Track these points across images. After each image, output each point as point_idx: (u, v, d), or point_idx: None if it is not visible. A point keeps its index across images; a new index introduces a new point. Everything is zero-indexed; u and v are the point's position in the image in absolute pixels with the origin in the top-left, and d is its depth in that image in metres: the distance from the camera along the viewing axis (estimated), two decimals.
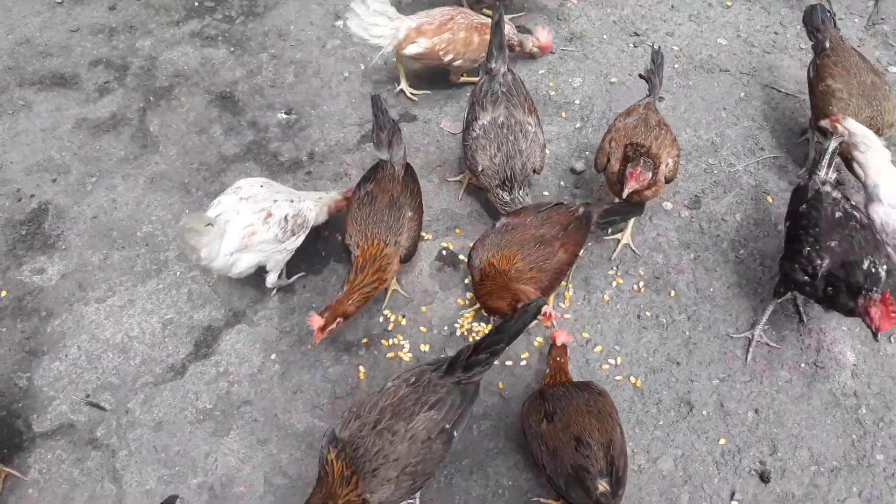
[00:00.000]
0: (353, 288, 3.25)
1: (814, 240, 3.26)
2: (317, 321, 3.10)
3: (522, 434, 3.10)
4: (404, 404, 2.72)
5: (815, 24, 4.09)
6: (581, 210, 3.51)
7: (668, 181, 3.65)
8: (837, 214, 3.32)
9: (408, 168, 3.63)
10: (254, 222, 3.31)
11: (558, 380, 3.16)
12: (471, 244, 3.85)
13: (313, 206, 3.61)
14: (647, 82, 3.87)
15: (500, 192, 3.73)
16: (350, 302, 3.22)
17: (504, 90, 3.77)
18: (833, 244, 3.20)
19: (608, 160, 3.62)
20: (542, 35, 4.57)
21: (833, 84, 3.88)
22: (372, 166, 3.65)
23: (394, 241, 3.40)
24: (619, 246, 3.92)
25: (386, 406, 2.72)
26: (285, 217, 3.40)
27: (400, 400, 2.73)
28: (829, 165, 3.50)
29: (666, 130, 3.68)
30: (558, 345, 3.30)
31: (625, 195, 3.45)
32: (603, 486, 2.74)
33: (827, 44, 4.02)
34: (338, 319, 3.18)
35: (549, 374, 3.23)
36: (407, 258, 3.49)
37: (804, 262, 3.26)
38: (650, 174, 3.42)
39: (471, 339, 3.62)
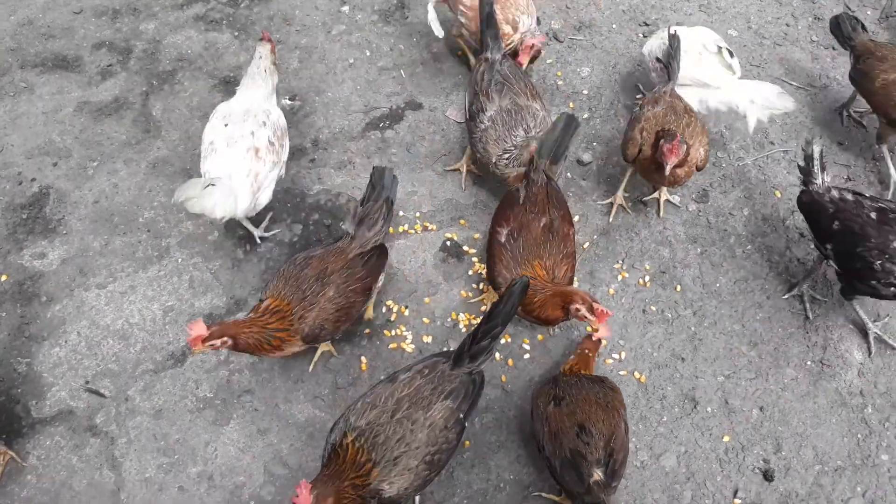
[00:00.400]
0: (256, 322, 2.86)
1: (877, 251, 3.15)
2: (199, 329, 2.70)
3: (531, 417, 3.05)
4: (421, 394, 2.71)
5: (845, 33, 4.05)
6: (542, 177, 3.29)
7: (698, 169, 3.59)
8: (873, 215, 3.22)
9: (370, 254, 3.17)
10: (251, 167, 3.35)
11: (577, 370, 3.09)
12: (475, 236, 3.79)
13: (274, 106, 3.61)
14: (667, 68, 3.77)
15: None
16: (246, 332, 2.83)
17: (502, 78, 3.67)
18: None
19: (639, 150, 3.54)
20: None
21: (892, 75, 3.79)
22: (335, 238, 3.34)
23: (300, 314, 2.94)
24: (661, 203, 3.92)
25: (403, 396, 2.70)
26: (269, 140, 3.43)
27: (416, 390, 2.72)
28: (824, 170, 3.42)
29: (694, 117, 3.62)
30: (594, 338, 3.21)
31: (668, 172, 3.36)
32: (598, 474, 2.71)
33: (863, 47, 3.97)
34: (224, 338, 2.77)
35: (571, 362, 3.16)
36: (309, 338, 2.98)
37: (883, 276, 3.16)
38: (685, 146, 3.36)
39: None
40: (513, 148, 3.56)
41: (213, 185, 3.16)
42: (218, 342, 2.76)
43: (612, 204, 3.94)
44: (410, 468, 2.61)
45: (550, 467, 2.86)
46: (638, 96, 4.20)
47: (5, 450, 3.09)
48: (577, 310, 2.89)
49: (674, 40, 3.77)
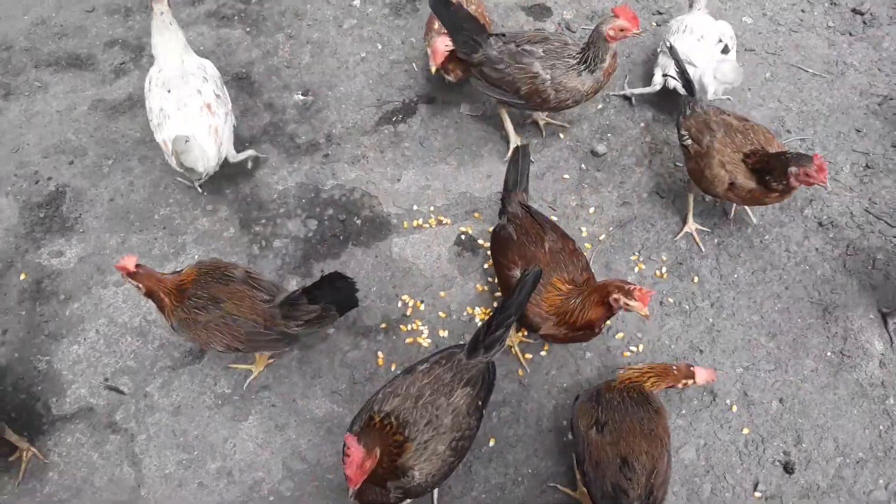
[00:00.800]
0: (172, 282, 2.90)
1: None
2: (129, 263, 2.84)
3: (570, 430, 2.99)
4: (441, 381, 2.72)
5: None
6: (520, 209, 3.26)
7: None
8: None
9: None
10: (209, 122, 3.51)
11: (627, 386, 2.90)
12: (489, 229, 3.74)
13: (195, 57, 3.70)
14: (688, 85, 3.59)
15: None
16: (162, 292, 2.91)
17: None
18: None
19: (732, 183, 3.35)
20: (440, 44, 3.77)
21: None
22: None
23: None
24: (682, 232, 3.78)
25: (424, 384, 2.69)
26: (215, 94, 3.59)
27: (436, 378, 2.72)
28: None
29: (752, 124, 3.47)
30: (689, 381, 2.89)
31: (829, 187, 3.25)
32: None
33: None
34: (141, 286, 2.88)
35: (625, 378, 2.89)
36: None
37: None
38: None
39: None
40: (581, 54, 3.60)
41: (188, 140, 3.31)
42: (138, 284, 2.92)
43: (687, 233, 3.77)
44: (438, 453, 2.60)
45: (591, 492, 2.79)
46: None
47: (28, 446, 3.09)
48: (617, 299, 2.77)
49: (674, 52, 3.65)
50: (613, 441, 2.75)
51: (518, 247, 3.14)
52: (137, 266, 2.88)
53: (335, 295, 2.94)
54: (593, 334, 3.00)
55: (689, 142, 3.51)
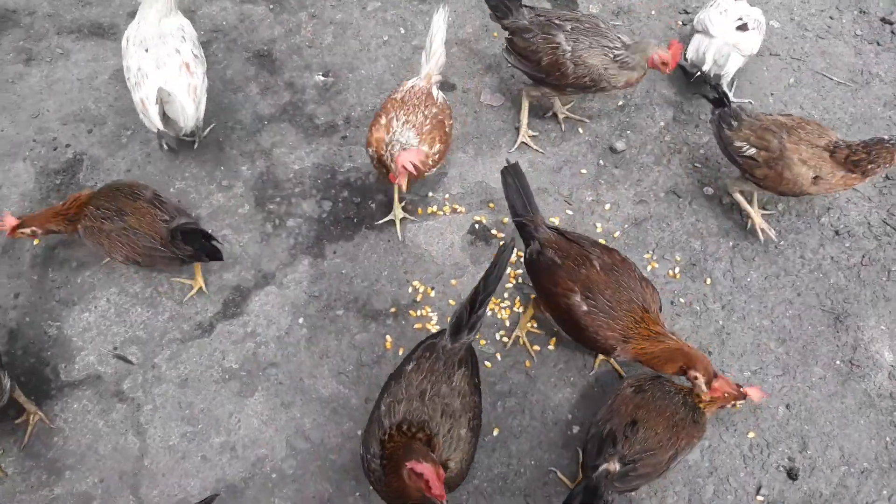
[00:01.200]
0: (60, 212, 3.30)
1: None
2: (8, 221, 3.22)
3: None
4: (436, 371, 2.68)
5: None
6: (547, 231, 3.16)
7: None
8: None
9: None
10: (188, 81, 3.51)
11: (693, 397, 2.94)
12: (504, 220, 3.71)
13: (176, 17, 3.66)
14: (724, 97, 3.56)
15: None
16: (52, 222, 3.29)
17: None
18: None
19: (817, 176, 3.35)
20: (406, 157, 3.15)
21: None
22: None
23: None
24: (751, 222, 3.74)
25: (421, 379, 2.66)
26: (192, 53, 3.59)
27: (429, 370, 2.69)
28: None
29: (799, 118, 3.49)
30: (742, 397, 2.93)
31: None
32: (613, 466, 2.68)
33: None
34: (32, 229, 3.25)
35: (700, 394, 2.90)
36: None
37: None
38: None
39: (499, 315, 3.50)
40: (621, 49, 3.54)
41: (170, 93, 3.32)
42: (27, 231, 3.23)
43: (758, 228, 3.73)
44: (462, 438, 2.59)
45: (589, 429, 2.89)
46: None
47: (35, 410, 3.09)
48: (695, 378, 2.78)
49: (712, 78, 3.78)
50: (640, 406, 2.82)
51: (567, 271, 2.99)
52: (21, 220, 3.21)
53: (200, 246, 3.15)
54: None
55: (753, 150, 3.44)
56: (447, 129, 3.46)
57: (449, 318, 3.20)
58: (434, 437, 2.53)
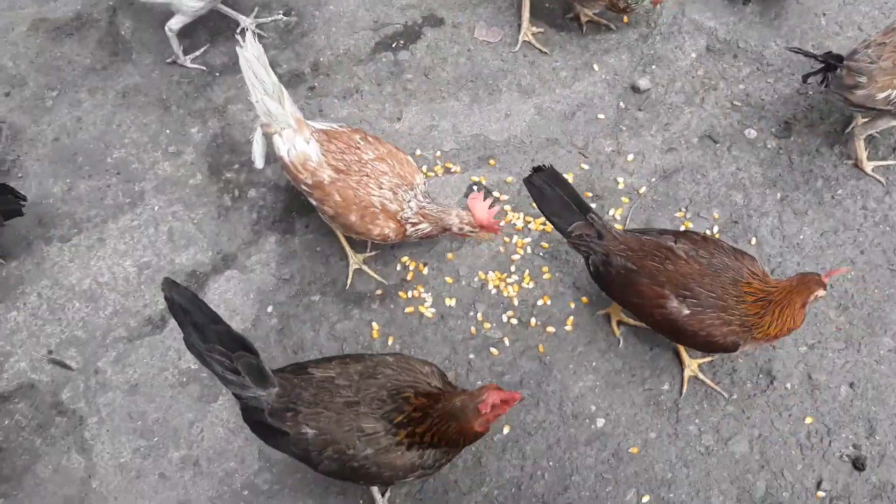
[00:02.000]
0: None
1: None
2: None
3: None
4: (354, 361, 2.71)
5: None
6: (611, 231, 3.00)
7: None
8: None
9: None
10: None
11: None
12: (507, 179, 3.57)
13: None
14: (835, 58, 3.36)
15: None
16: None
17: None
18: None
19: None
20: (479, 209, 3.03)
21: None
22: None
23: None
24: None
25: (358, 369, 2.64)
26: None
27: (345, 367, 2.69)
28: None
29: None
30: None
31: None
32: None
33: None
34: None
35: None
36: None
37: None
38: None
39: (505, 293, 3.45)
40: None
41: None
42: None
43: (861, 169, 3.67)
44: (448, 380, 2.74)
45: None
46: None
47: None
48: (818, 297, 2.82)
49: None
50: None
51: (650, 275, 2.88)
52: None
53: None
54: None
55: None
56: None
57: (447, 299, 3.09)
58: (446, 386, 2.66)
